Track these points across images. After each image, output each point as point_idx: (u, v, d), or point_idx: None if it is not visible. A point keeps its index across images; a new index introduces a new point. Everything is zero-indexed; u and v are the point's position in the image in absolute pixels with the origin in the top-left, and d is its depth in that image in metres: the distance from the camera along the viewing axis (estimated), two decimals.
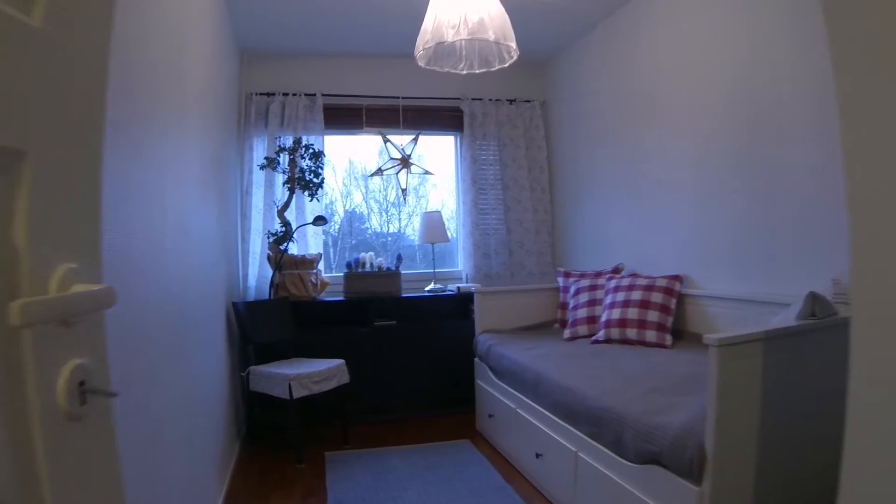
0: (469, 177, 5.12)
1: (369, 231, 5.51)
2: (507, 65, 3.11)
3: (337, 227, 5.35)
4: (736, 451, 1.94)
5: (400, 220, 5.43)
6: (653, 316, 3.47)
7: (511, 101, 5.27)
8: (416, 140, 5.01)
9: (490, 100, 5.21)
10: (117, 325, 1.38)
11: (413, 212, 5.47)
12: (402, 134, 5.06)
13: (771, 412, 1.99)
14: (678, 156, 3.70)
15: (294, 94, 4.80)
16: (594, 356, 3.27)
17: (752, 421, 1.97)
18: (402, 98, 5.05)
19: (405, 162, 4.97)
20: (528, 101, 5.31)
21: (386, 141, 4.96)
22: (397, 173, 4.99)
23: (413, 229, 5.46)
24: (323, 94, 4.86)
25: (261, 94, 4.78)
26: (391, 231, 5.53)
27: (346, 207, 5.42)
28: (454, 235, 5.32)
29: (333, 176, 5.30)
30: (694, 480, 1.95)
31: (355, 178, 5.41)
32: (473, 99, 5.17)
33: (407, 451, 3.84)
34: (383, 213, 5.50)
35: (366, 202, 5.45)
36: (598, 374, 2.88)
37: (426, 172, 5.12)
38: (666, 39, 3.76)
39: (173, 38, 2.34)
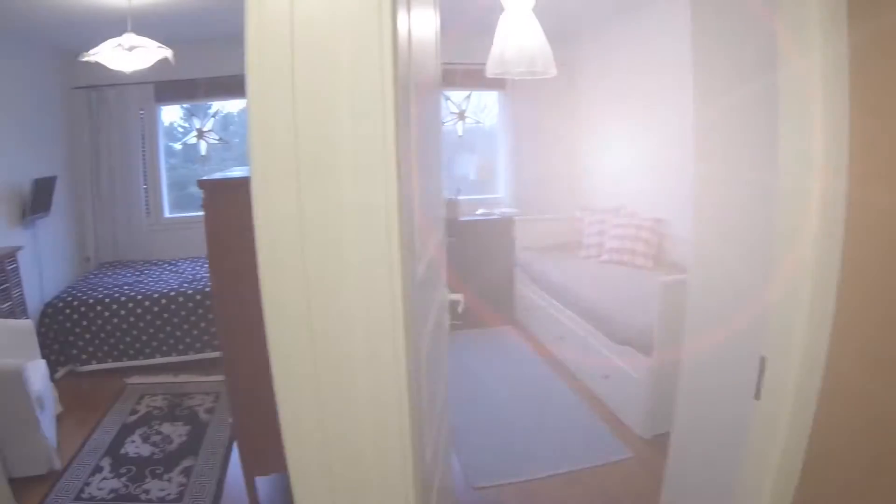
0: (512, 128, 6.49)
1: None
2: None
3: None
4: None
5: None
6: (639, 246, 5.03)
7: None
8: (468, 97, 6.36)
9: None
10: None
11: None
12: (457, 90, 6.39)
13: None
14: None
15: None
16: (601, 271, 4.89)
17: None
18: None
19: (461, 115, 6.37)
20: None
21: (445, 98, 6.32)
22: (455, 124, 6.39)
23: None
24: None
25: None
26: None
27: None
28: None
29: None
30: (647, 356, 3.56)
31: None
32: None
33: (466, 334, 5.51)
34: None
35: None
36: (603, 286, 4.49)
37: (477, 122, 6.51)
38: None
39: None
